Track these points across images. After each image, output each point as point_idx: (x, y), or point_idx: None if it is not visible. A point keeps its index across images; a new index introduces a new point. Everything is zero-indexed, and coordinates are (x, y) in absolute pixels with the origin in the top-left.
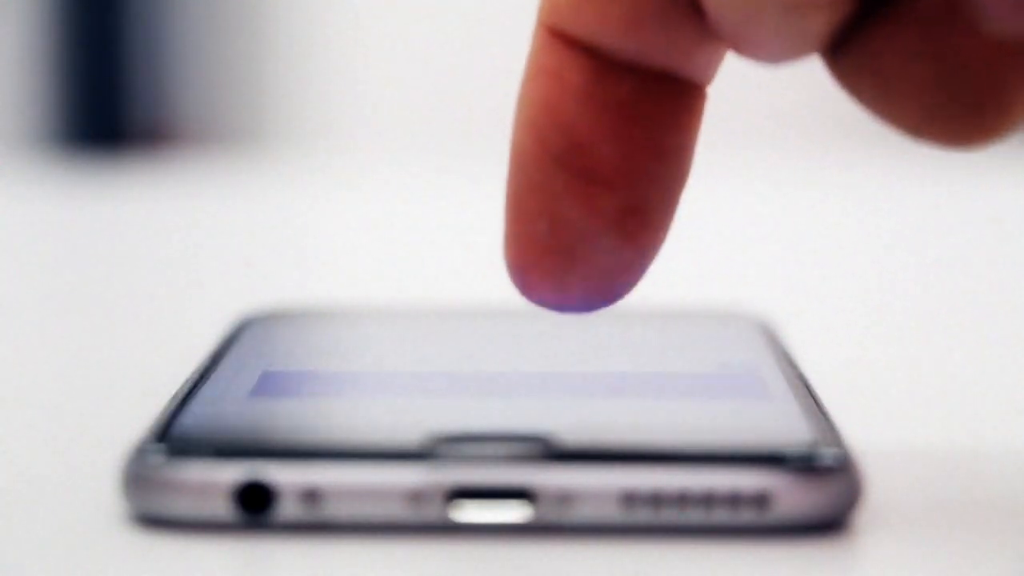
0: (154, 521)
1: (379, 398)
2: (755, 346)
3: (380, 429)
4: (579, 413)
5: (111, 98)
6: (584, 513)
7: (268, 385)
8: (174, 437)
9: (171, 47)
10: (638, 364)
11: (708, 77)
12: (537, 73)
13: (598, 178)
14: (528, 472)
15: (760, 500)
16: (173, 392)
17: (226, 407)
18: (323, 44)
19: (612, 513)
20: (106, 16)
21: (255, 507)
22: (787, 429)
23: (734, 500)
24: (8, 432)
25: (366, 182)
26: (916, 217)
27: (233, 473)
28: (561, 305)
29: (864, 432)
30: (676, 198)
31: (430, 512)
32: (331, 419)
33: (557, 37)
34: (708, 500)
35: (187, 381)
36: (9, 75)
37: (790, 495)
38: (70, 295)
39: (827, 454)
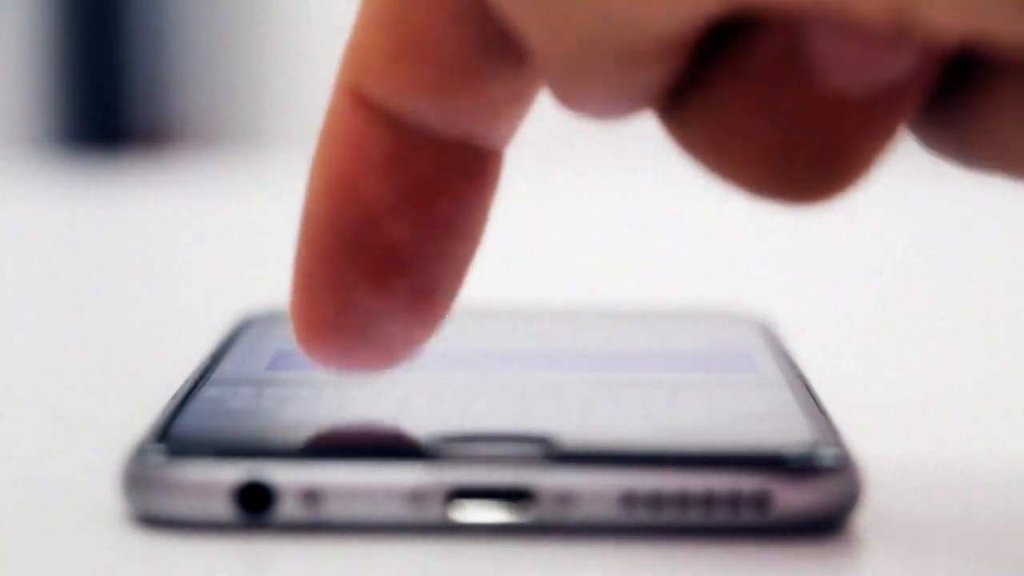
0: (154, 521)
1: (379, 398)
2: (755, 346)
3: (380, 429)
4: (579, 413)
5: (111, 98)
6: (584, 513)
7: (280, 362)
8: (174, 437)
9: (171, 47)
10: (638, 364)
11: (508, 142)
12: (334, 141)
13: (389, 262)
14: (528, 472)
15: (760, 500)
16: (173, 392)
17: (226, 407)
18: (323, 44)
19: (612, 513)
20: (106, 16)
21: (255, 507)
22: (787, 429)
23: (734, 500)
24: (8, 432)
25: None
26: (917, 218)
27: (233, 473)
28: (345, 369)
29: (864, 432)
30: (466, 271)
31: (430, 512)
32: (331, 419)
33: (357, 103)
34: (708, 500)
35: (187, 381)
36: (9, 75)
37: (790, 495)
38: (70, 295)
39: (827, 454)
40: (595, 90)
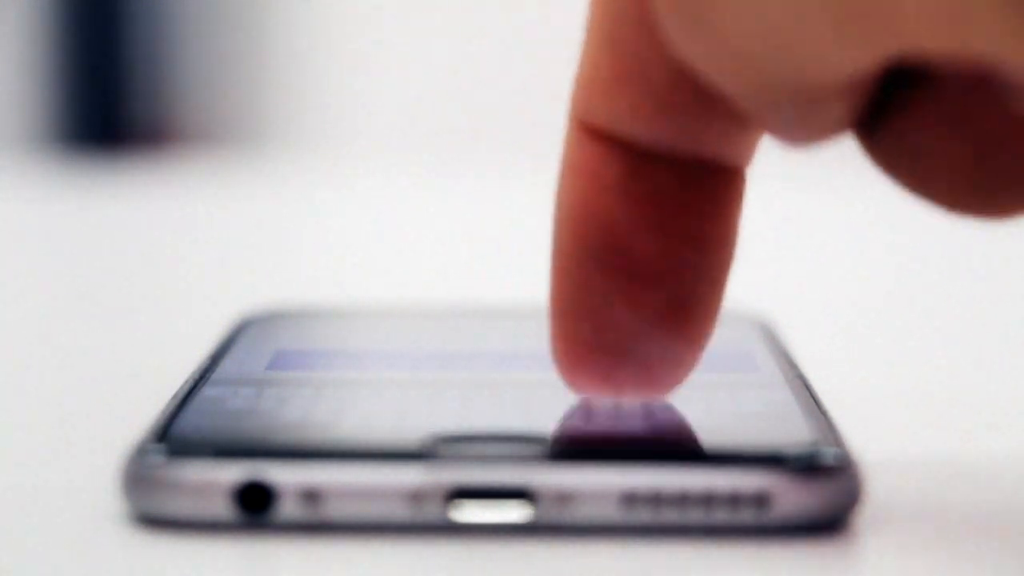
0: (154, 521)
1: (379, 398)
2: (755, 346)
3: (380, 429)
4: (579, 413)
5: (111, 98)
6: (584, 513)
7: (281, 362)
8: (174, 437)
9: (171, 47)
10: None
11: (746, 160)
12: (572, 171)
13: (641, 276)
14: (528, 472)
15: (760, 500)
16: (173, 392)
17: (226, 407)
18: (323, 45)
19: (612, 513)
20: (106, 16)
21: (255, 507)
22: (787, 429)
23: (734, 500)
24: (8, 432)
25: (366, 182)
26: (917, 218)
27: (233, 473)
28: (612, 396)
29: (864, 432)
30: (722, 286)
31: (430, 512)
32: (331, 419)
33: (589, 132)
34: (708, 500)
35: (187, 381)
36: (9, 75)
37: (790, 495)
38: (70, 295)
39: (827, 454)
40: (788, 124)
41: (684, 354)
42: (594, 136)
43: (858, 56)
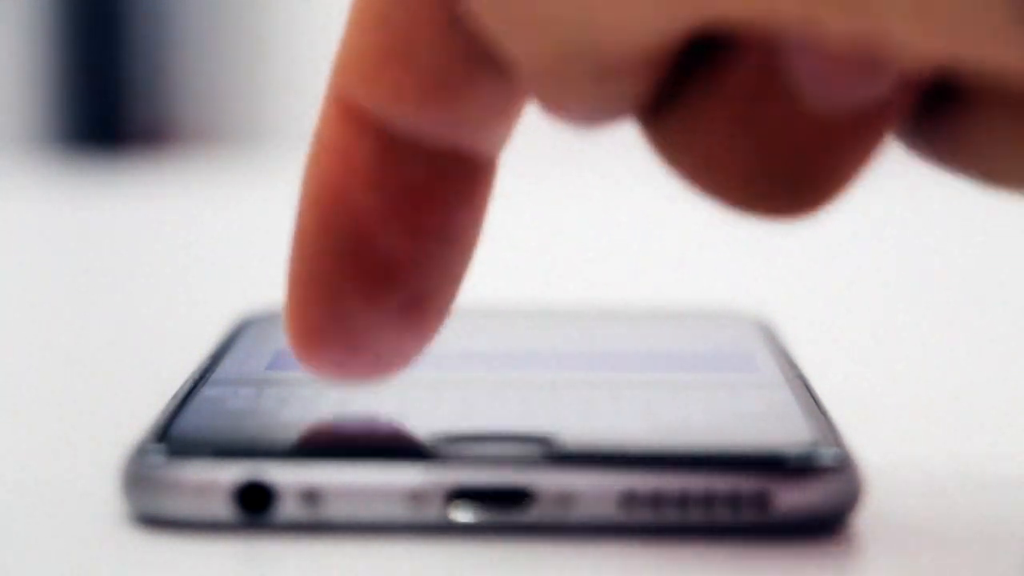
0: (154, 521)
1: (379, 398)
2: (755, 346)
3: (380, 429)
4: (579, 413)
5: (111, 98)
6: (584, 513)
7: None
8: (174, 437)
9: (171, 47)
10: (638, 364)
11: (500, 150)
12: (322, 150)
13: (383, 270)
14: (528, 472)
15: (760, 500)
16: (173, 392)
17: (226, 407)
18: (323, 45)
19: (612, 513)
20: (106, 17)
21: (255, 507)
22: (787, 429)
23: (734, 500)
24: (8, 432)
25: None
26: (917, 218)
27: (233, 473)
28: (340, 379)
29: (864, 432)
30: (460, 281)
31: (430, 512)
32: (331, 419)
33: (347, 112)
34: (708, 500)
35: (187, 381)
36: (9, 75)
37: (790, 495)
38: (70, 295)
39: (827, 454)
40: (574, 101)
41: (414, 345)
42: (350, 116)
43: (662, 22)
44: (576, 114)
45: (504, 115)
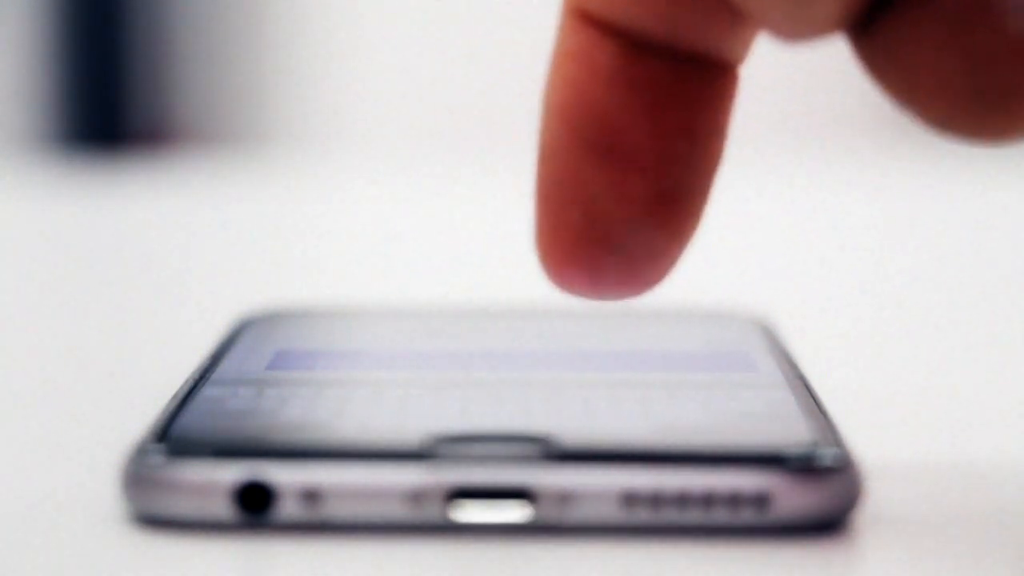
0: (154, 521)
1: (379, 398)
2: (755, 346)
3: (380, 429)
4: (579, 413)
5: (111, 98)
6: (584, 513)
7: (281, 362)
8: (174, 437)
9: (171, 47)
10: (638, 364)
11: (740, 58)
12: (565, 57)
13: (630, 163)
14: (528, 472)
15: (760, 500)
16: (173, 392)
17: (226, 407)
18: (323, 44)
19: (612, 513)
20: (106, 16)
21: (255, 507)
22: (787, 429)
23: (734, 500)
24: (8, 432)
25: (365, 182)
26: (919, 217)
27: (233, 473)
28: (595, 294)
29: (864, 432)
30: (710, 182)
31: (430, 512)
32: (331, 419)
33: (585, 20)
34: (708, 500)
35: (187, 381)
36: (9, 75)
37: (790, 495)
38: (70, 295)
39: (827, 454)
40: (782, 16)
41: (669, 249)
42: (588, 23)
43: None
44: (787, 30)
45: (735, 25)
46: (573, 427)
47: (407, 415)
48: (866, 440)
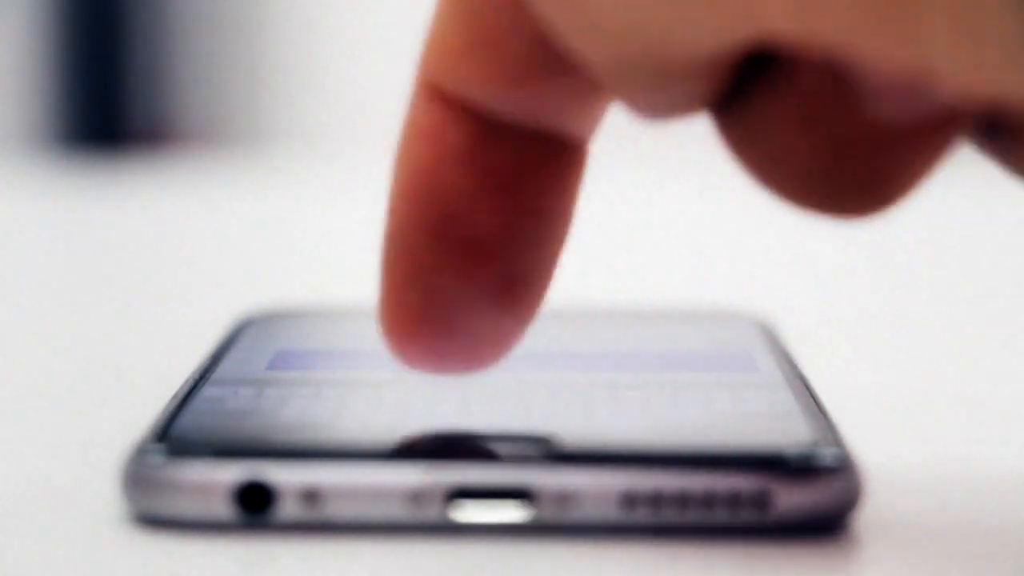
0: (154, 521)
1: (379, 398)
2: (755, 346)
3: (380, 429)
4: (579, 413)
5: (111, 98)
6: (584, 513)
7: (281, 362)
8: (174, 437)
9: (171, 47)
10: (638, 364)
11: (590, 134)
12: (413, 134)
13: (476, 248)
14: (528, 472)
15: (760, 500)
16: (173, 392)
17: (226, 407)
18: (323, 44)
19: (612, 513)
20: (106, 17)
21: (255, 507)
22: (787, 429)
23: (734, 500)
24: (8, 432)
25: (365, 182)
26: (916, 218)
27: (233, 473)
28: (435, 370)
29: (864, 432)
30: (555, 262)
31: (430, 512)
32: (331, 419)
33: (436, 96)
34: (708, 500)
35: (187, 381)
36: (9, 75)
37: (790, 495)
38: (70, 295)
39: (827, 454)
40: (642, 99)
41: (512, 328)
42: (440, 100)
43: (716, 37)
44: (648, 110)
45: (589, 102)
46: (573, 427)
47: (407, 415)
48: (866, 440)
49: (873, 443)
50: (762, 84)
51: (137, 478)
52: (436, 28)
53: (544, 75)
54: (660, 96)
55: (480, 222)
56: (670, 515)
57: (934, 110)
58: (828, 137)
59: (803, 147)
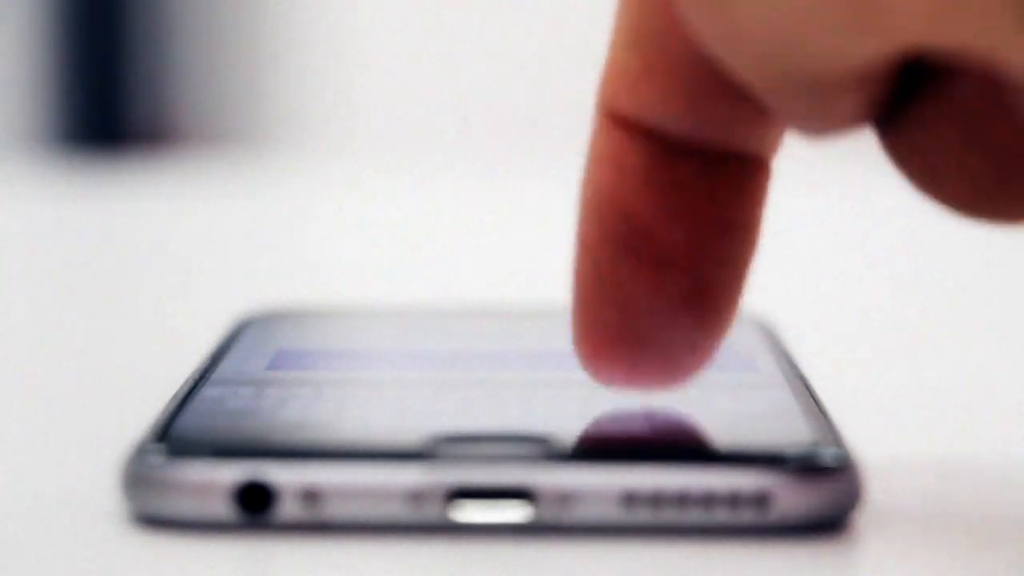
0: (154, 521)
1: (379, 398)
2: (755, 346)
3: (380, 429)
4: (579, 413)
5: (111, 98)
6: (584, 513)
7: (281, 362)
8: (174, 437)
9: (171, 47)
10: None
11: (771, 152)
12: (597, 160)
13: (666, 263)
14: (528, 472)
15: (760, 500)
16: (173, 392)
17: (226, 407)
18: (323, 45)
19: (612, 513)
20: (106, 17)
21: (255, 507)
22: (787, 429)
23: (734, 500)
24: (9, 432)
25: (365, 182)
26: (917, 218)
27: (233, 473)
28: (634, 387)
29: (864, 432)
30: (744, 275)
31: (430, 512)
32: (331, 419)
33: (615, 122)
34: (708, 500)
35: (187, 381)
36: (9, 75)
37: (790, 495)
38: (70, 295)
39: (827, 454)
40: (801, 114)
41: (705, 342)
42: (620, 125)
43: (869, 49)
44: (811, 126)
45: (764, 122)
46: (573, 427)
47: (407, 415)
48: (866, 440)
49: (873, 443)
50: (922, 97)
51: (137, 478)
52: (612, 55)
53: (719, 97)
54: (819, 112)
55: (667, 238)
56: (670, 515)
57: None
58: (990, 144)
59: (967, 156)
